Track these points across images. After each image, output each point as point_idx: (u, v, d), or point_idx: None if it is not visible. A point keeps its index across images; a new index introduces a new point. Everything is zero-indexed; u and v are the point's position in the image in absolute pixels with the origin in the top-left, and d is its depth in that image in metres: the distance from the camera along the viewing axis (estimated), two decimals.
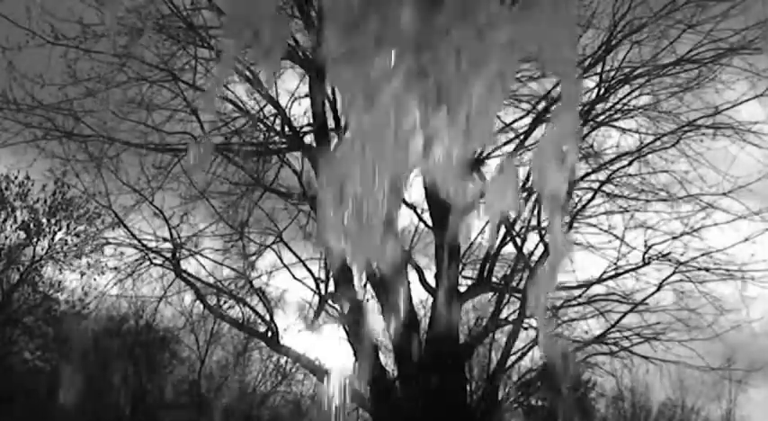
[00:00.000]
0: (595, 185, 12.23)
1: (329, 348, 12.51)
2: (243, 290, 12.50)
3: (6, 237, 19.48)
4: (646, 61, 11.58)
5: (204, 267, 12.34)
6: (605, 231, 12.26)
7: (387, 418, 11.20)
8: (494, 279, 12.08)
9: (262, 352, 20.39)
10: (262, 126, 11.77)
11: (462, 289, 11.81)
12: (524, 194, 11.66)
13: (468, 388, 12.49)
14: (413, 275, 11.46)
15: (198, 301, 12.86)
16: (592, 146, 12.12)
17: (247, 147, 11.76)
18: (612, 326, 12.36)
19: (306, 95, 11.36)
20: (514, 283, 12.28)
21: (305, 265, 11.93)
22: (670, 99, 11.83)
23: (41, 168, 12.38)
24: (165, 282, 12.57)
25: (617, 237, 12.14)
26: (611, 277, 12.16)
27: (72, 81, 10.87)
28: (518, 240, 11.81)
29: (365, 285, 11.11)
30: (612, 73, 11.73)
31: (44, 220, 19.29)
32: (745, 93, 11.35)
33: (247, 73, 10.66)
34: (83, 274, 17.57)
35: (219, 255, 12.43)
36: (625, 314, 12.32)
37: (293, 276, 12.03)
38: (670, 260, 12.00)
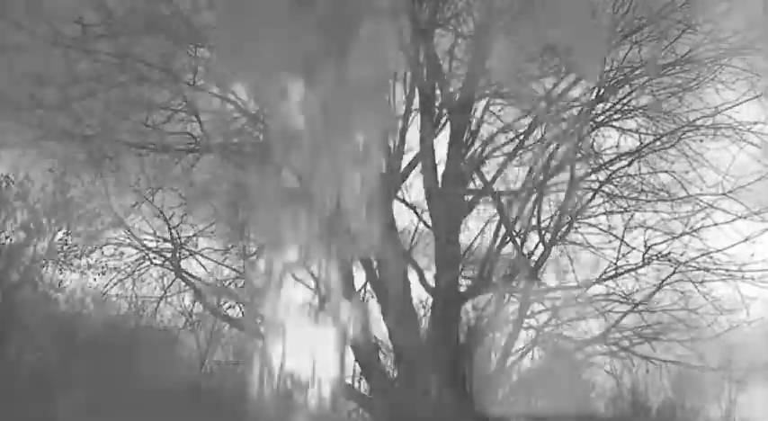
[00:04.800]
0: (595, 185, 12.23)
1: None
2: (243, 290, 12.50)
3: (6, 237, 19.47)
4: (646, 61, 11.59)
5: (204, 267, 12.35)
6: (605, 231, 12.26)
7: (387, 418, 11.20)
8: (494, 279, 12.07)
9: None
10: (262, 126, 11.76)
11: (462, 289, 11.80)
12: (524, 194, 11.72)
13: (468, 388, 12.47)
14: (413, 275, 11.45)
15: (198, 301, 12.86)
16: (592, 146, 12.13)
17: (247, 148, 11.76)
18: (612, 326, 12.36)
19: None
20: (514, 283, 12.27)
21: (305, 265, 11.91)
22: (670, 99, 11.85)
23: (41, 168, 12.39)
24: (165, 282, 12.61)
25: (617, 237, 12.13)
26: (611, 277, 12.15)
27: (72, 81, 10.88)
28: (518, 240, 11.80)
29: (365, 285, 11.13)
30: (612, 73, 11.74)
31: (44, 220, 19.27)
32: (745, 93, 11.37)
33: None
34: (83, 274, 17.56)
35: (219, 255, 12.44)
36: (625, 314, 12.30)
37: (293, 276, 12.00)
38: (670, 260, 12.00)
